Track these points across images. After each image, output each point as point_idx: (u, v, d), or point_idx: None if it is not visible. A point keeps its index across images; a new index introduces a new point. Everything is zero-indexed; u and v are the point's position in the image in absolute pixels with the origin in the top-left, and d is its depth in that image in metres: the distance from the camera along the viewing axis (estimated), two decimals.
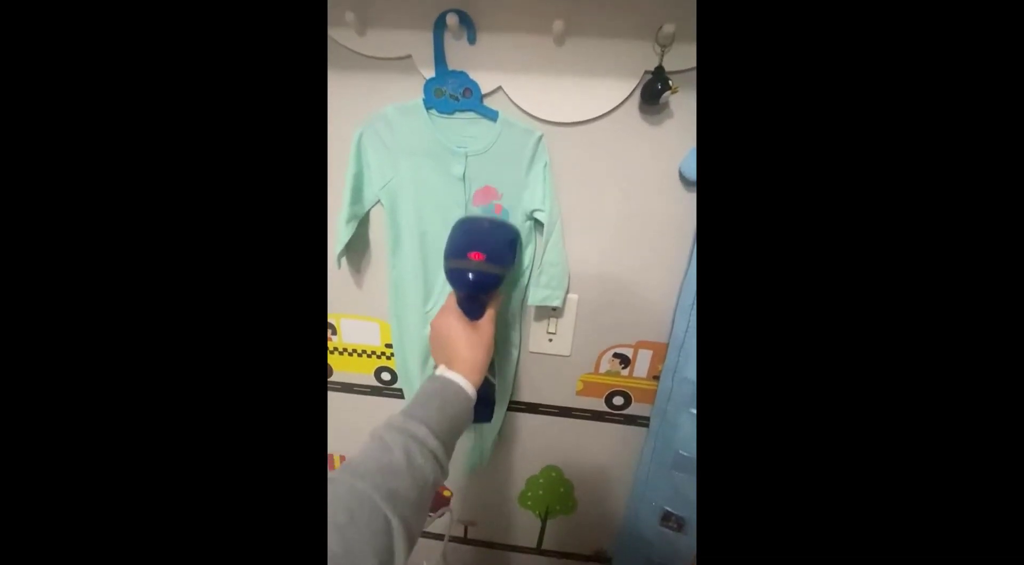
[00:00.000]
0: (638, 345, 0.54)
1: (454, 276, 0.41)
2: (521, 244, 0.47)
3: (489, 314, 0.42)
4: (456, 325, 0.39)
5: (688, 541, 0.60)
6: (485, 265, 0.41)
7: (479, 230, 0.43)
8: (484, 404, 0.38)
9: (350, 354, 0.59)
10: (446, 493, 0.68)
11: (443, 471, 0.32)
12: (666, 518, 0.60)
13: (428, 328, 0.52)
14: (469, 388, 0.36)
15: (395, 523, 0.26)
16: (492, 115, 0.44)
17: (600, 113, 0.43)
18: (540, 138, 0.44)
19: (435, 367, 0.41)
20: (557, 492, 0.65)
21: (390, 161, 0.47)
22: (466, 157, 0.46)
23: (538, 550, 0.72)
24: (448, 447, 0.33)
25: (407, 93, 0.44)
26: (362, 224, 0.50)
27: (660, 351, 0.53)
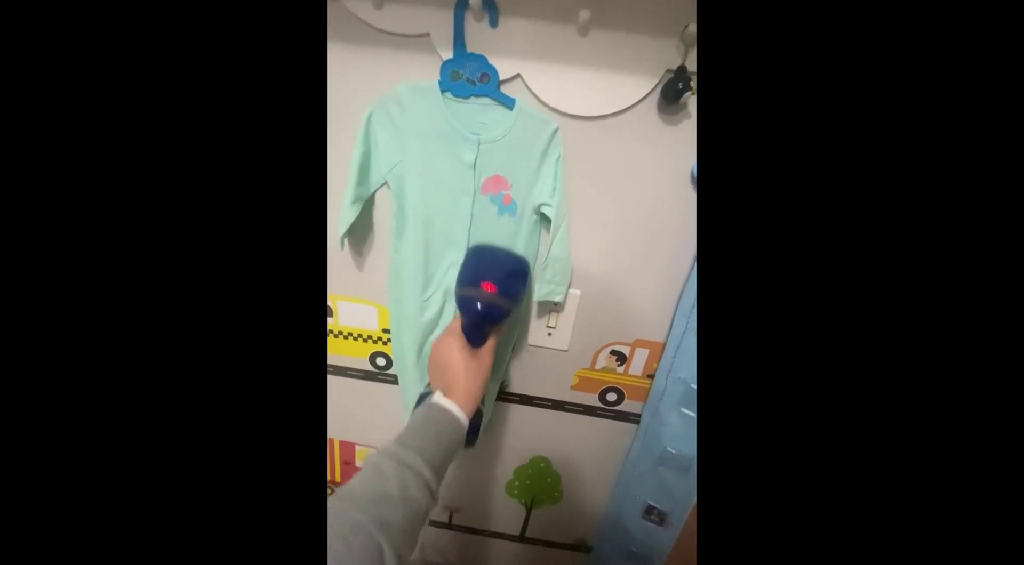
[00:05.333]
0: (636, 343, 0.54)
1: (464, 303, 0.42)
2: (531, 277, 0.48)
3: (490, 344, 0.42)
4: (458, 351, 0.40)
5: (668, 534, 0.62)
6: (496, 298, 0.41)
7: (493, 260, 0.44)
8: (471, 431, 0.39)
9: (345, 337, 0.58)
10: None
11: (435, 500, 0.33)
12: (649, 511, 0.62)
13: (425, 315, 0.53)
14: (463, 418, 0.37)
15: (388, 553, 0.27)
16: (509, 103, 0.43)
17: (618, 109, 0.43)
18: (556, 130, 0.44)
19: (427, 385, 0.42)
20: (544, 483, 0.66)
21: (399, 143, 0.46)
22: (479, 144, 0.45)
23: (521, 538, 0.73)
24: (440, 476, 0.33)
25: (422, 73, 0.43)
26: (367, 206, 0.49)
27: (657, 350, 0.54)
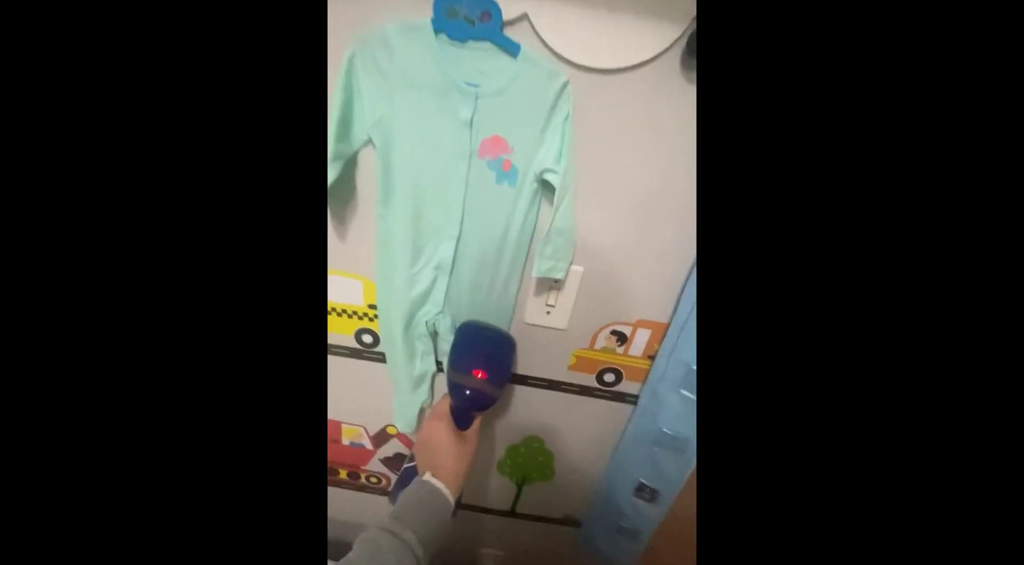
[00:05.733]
0: (638, 324, 0.52)
1: (455, 390, 0.44)
2: (516, 355, 0.52)
3: (476, 426, 0.45)
4: (446, 435, 0.42)
5: (658, 510, 0.63)
6: (486, 385, 0.44)
7: (484, 342, 0.47)
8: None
9: (328, 313, 0.54)
10: None
11: None
12: (640, 489, 0.62)
13: (414, 290, 0.49)
14: (452, 498, 0.39)
15: None
16: (513, 49, 0.37)
17: (636, 62, 0.38)
18: (565, 84, 0.38)
19: (410, 458, 0.45)
20: (536, 461, 0.66)
21: (386, 93, 0.40)
22: (476, 98, 0.40)
23: (511, 513, 0.73)
24: (429, 555, 0.34)
25: (412, 9, 0.37)
26: (348, 166, 0.43)
27: (659, 331, 0.52)
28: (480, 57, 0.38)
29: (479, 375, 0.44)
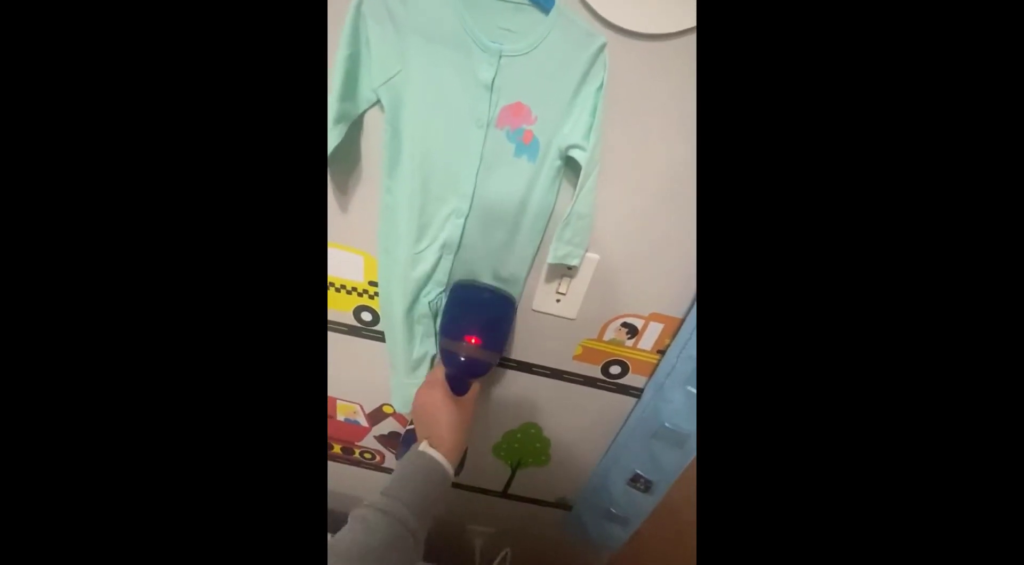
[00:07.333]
0: (651, 317, 0.50)
1: (448, 357, 0.42)
2: (515, 317, 0.48)
3: (474, 391, 0.43)
4: (442, 403, 0.40)
5: (651, 500, 0.63)
6: (480, 352, 0.42)
7: (478, 304, 0.43)
8: (457, 467, 0.41)
9: (327, 288, 0.51)
10: None
11: (420, 553, 0.33)
12: (635, 479, 0.62)
13: (418, 270, 0.46)
14: (449, 469, 0.38)
15: None
16: (546, 3, 0.33)
17: (681, 28, 0.33)
18: (602, 47, 0.34)
19: (410, 421, 0.43)
20: (533, 447, 0.65)
21: (398, 47, 0.36)
22: (499, 57, 0.35)
23: (503, 494, 0.74)
24: (426, 525, 0.34)
25: None
26: (353, 129, 0.39)
27: (672, 325, 0.50)
28: (507, 10, 0.34)
29: (473, 341, 0.41)
